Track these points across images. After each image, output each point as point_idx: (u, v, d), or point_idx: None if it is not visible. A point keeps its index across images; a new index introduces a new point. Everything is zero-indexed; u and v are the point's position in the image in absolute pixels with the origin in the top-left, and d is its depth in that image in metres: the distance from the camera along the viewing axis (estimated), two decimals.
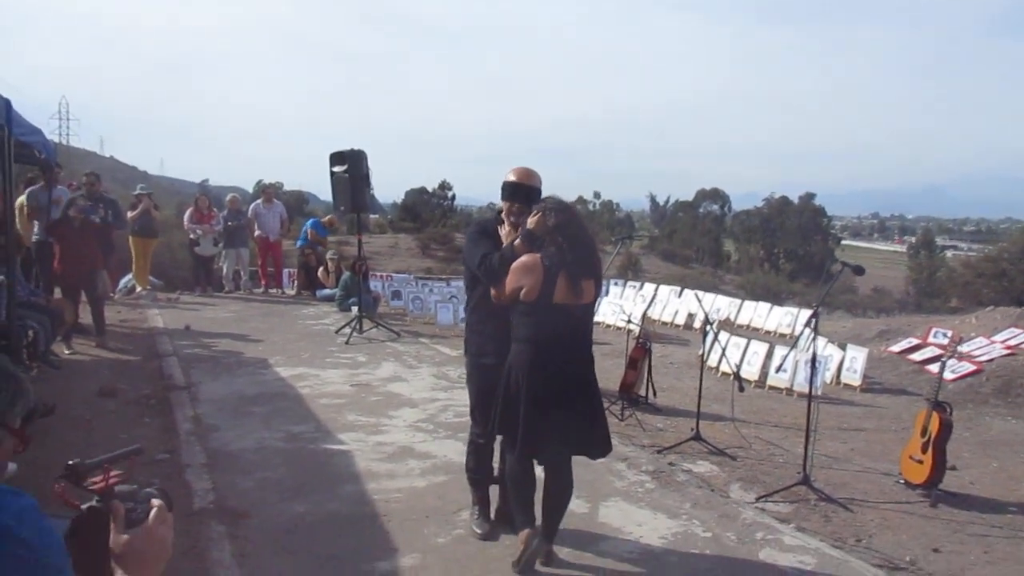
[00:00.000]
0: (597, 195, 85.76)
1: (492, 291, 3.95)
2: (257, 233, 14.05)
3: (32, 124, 7.07)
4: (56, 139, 61.43)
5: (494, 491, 4.43)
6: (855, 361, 8.95)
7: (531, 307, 3.78)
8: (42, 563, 1.45)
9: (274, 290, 14.35)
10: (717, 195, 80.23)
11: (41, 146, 7.71)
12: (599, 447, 3.99)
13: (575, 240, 3.79)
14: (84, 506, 1.57)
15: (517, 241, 3.90)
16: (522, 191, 4.10)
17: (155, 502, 1.63)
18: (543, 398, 3.75)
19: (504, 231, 4.09)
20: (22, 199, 9.73)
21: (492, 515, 4.38)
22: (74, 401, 6.44)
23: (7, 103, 6.12)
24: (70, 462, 1.58)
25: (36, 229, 9.63)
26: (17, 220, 9.22)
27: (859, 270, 5.53)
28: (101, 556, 1.54)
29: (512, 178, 4.13)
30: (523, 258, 3.80)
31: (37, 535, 1.45)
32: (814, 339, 5.55)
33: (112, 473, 1.61)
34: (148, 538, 1.57)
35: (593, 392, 3.97)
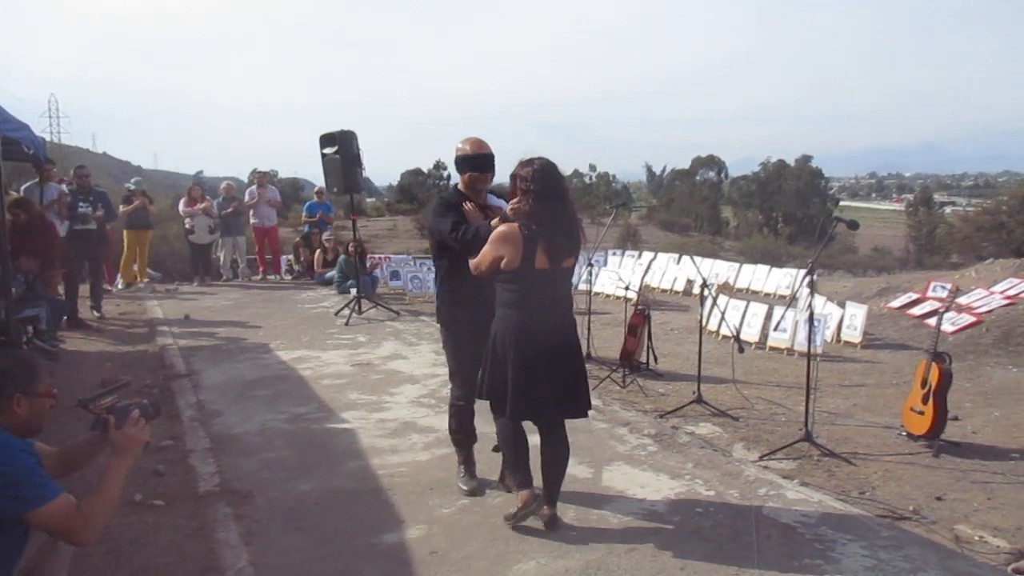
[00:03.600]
0: (593, 167, 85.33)
1: (471, 264, 3.99)
2: (253, 221, 14.03)
3: (19, 120, 7.02)
4: (48, 137, 61.19)
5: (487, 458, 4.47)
6: (855, 318, 8.96)
7: (513, 275, 3.85)
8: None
9: (272, 276, 14.35)
10: (713, 162, 79.85)
11: (29, 142, 7.65)
12: (582, 406, 4.06)
13: (552, 208, 3.83)
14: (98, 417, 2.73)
15: (495, 220, 3.97)
16: (478, 161, 4.27)
17: (134, 413, 2.74)
18: (531, 362, 3.83)
19: (468, 206, 4.20)
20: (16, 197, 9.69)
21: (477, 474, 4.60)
22: (76, 393, 6.42)
23: None
24: (80, 397, 2.78)
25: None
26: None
27: (853, 224, 5.50)
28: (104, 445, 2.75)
29: (468, 150, 4.28)
30: (501, 228, 3.86)
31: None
32: (812, 297, 5.54)
33: (108, 399, 2.77)
34: (124, 436, 2.69)
35: (576, 354, 4.07)
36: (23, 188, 9.60)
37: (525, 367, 3.84)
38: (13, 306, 7.09)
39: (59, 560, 2.74)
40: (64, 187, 9.98)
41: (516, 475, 4.05)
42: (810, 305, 5.49)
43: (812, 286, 5.53)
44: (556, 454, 4.06)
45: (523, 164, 3.92)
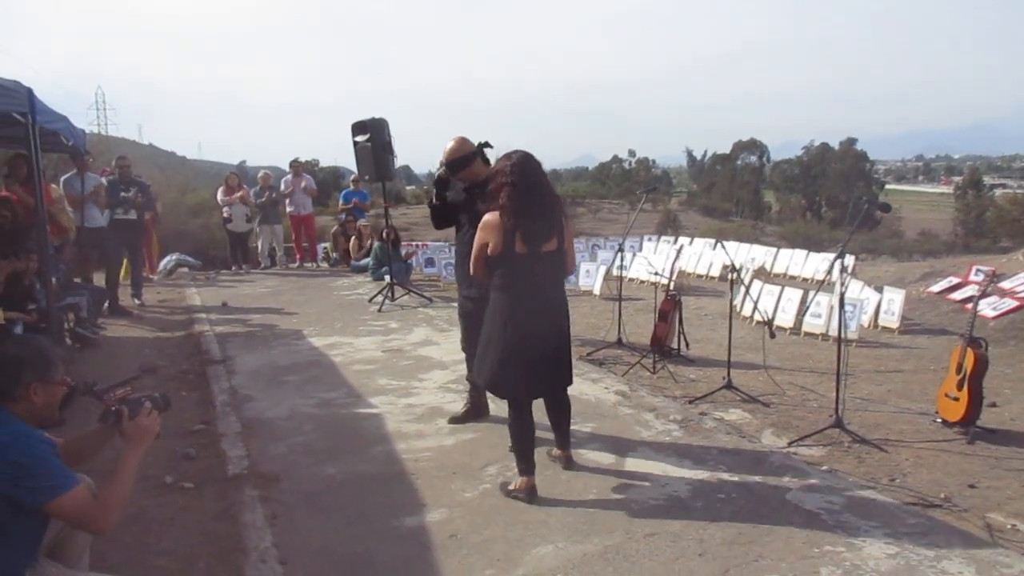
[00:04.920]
0: (632, 153, 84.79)
1: (471, 265, 4.37)
2: (289, 209, 14.19)
3: (56, 112, 7.17)
4: (95, 129, 62.46)
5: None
6: (892, 303, 8.79)
7: (497, 259, 4.14)
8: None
9: (309, 264, 14.52)
10: (755, 146, 78.84)
11: (67, 133, 7.82)
12: (564, 383, 4.42)
13: (531, 197, 4.10)
14: (110, 408, 2.80)
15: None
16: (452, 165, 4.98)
17: (146, 405, 2.81)
18: (517, 341, 4.11)
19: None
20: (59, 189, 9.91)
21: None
22: (115, 378, 6.58)
23: (29, 91, 6.21)
24: (94, 388, 2.90)
25: (88, 215, 9.75)
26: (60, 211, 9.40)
27: (885, 207, 5.40)
28: (117, 435, 2.78)
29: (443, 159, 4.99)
30: (486, 217, 4.17)
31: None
32: (844, 281, 5.44)
33: (120, 391, 2.88)
34: (137, 427, 2.75)
35: (562, 333, 4.35)
36: (63, 179, 9.81)
37: (511, 345, 4.12)
38: (55, 294, 7.27)
39: (80, 540, 2.81)
40: (103, 179, 10.18)
41: (521, 462, 4.26)
42: (843, 289, 5.39)
43: (844, 270, 5.43)
44: (558, 412, 4.50)
45: (503, 158, 4.24)
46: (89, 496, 2.52)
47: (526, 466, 4.22)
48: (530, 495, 4.14)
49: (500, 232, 4.08)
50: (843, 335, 5.41)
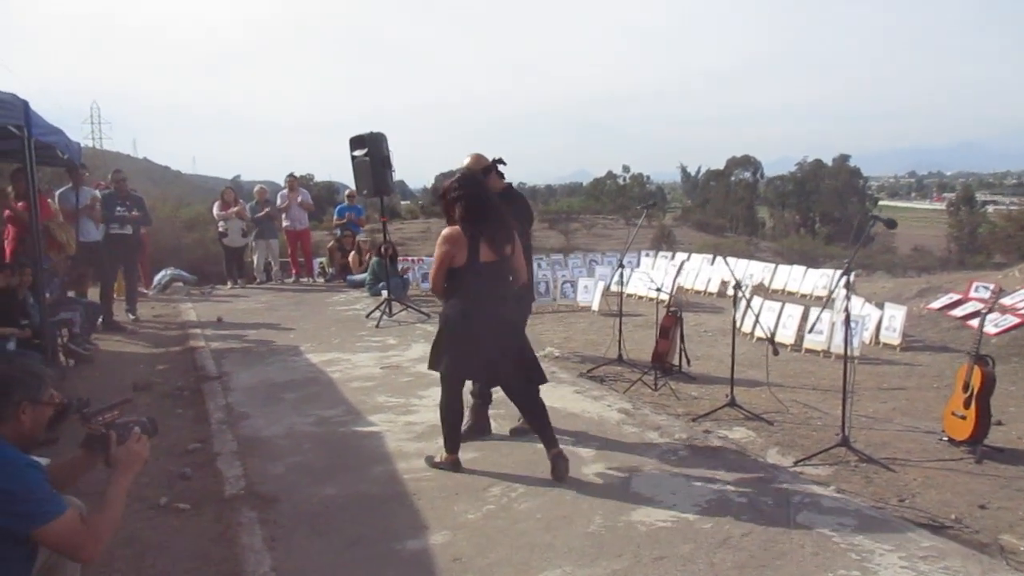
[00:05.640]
0: (627, 168, 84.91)
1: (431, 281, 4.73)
2: (285, 224, 14.12)
3: (52, 124, 7.09)
4: (90, 143, 62.34)
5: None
6: (894, 320, 8.74)
7: (462, 270, 4.43)
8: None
9: (305, 279, 14.44)
10: (749, 162, 79.03)
11: (63, 146, 7.74)
12: (533, 376, 4.73)
13: (483, 208, 4.44)
14: (96, 433, 2.73)
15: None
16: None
17: (135, 431, 2.73)
18: (471, 336, 4.49)
19: None
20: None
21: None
22: (109, 395, 6.44)
23: (25, 104, 6.14)
24: (84, 410, 2.83)
25: (82, 229, 9.64)
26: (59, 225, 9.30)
27: (891, 223, 5.35)
28: (106, 460, 2.68)
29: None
30: (445, 232, 4.46)
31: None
32: (848, 298, 5.39)
33: (109, 415, 2.78)
34: (127, 452, 2.68)
35: (519, 332, 4.83)
36: (58, 193, 9.73)
37: (464, 339, 4.53)
38: (48, 309, 7.17)
39: (71, 567, 2.71)
40: (98, 192, 10.09)
41: (449, 441, 4.76)
42: (847, 306, 5.33)
43: (849, 286, 5.37)
44: (533, 415, 4.72)
45: (445, 178, 4.62)
46: (78, 523, 2.43)
47: (453, 445, 4.76)
48: (454, 466, 4.69)
49: (463, 243, 4.37)
50: (849, 352, 5.35)
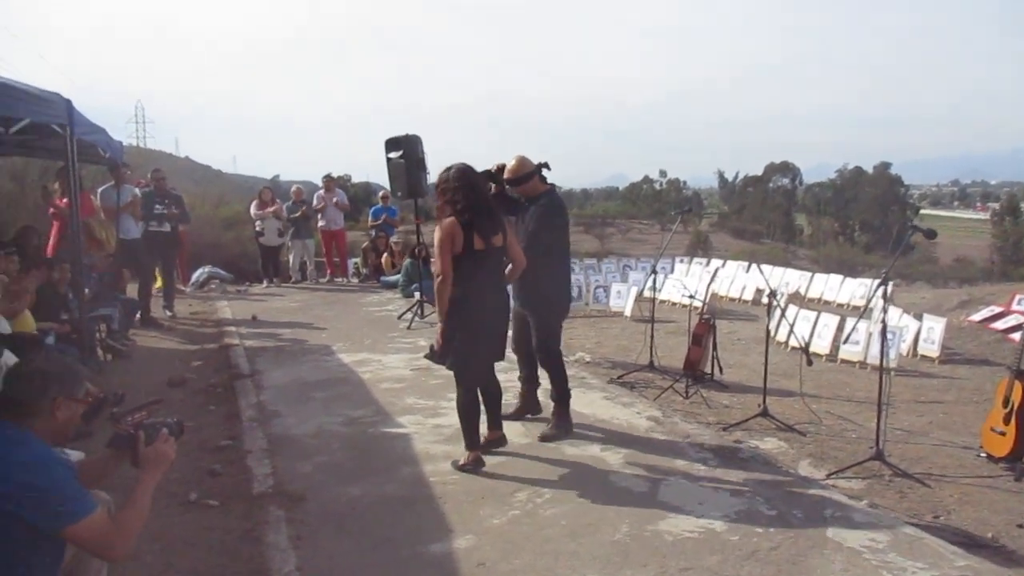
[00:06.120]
0: (663, 173, 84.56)
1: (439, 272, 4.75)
2: (321, 224, 14.23)
3: (94, 123, 7.22)
4: (134, 142, 63.43)
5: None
6: (932, 332, 8.58)
7: (459, 258, 4.65)
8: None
9: (339, 279, 14.53)
10: (787, 168, 78.28)
11: (105, 145, 7.88)
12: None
13: (477, 200, 4.70)
14: (123, 433, 2.74)
15: None
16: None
17: (163, 432, 2.74)
18: (475, 328, 4.76)
19: None
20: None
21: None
22: (144, 391, 6.56)
23: (68, 103, 6.26)
24: (113, 410, 2.89)
25: (123, 226, 9.80)
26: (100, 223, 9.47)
27: (931, 233, 5.25)
28: (134, 459, 2.69)
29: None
30: (445, 221, 4.67)
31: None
32: (886, 308, 5.29)
33: (138, 415, 2.78)
34: (155, 452, 2.69)
35: (507, 315, 5.14)
36: (100, 191, 9.90)
37: (478, 336, 4.79)
38: (87, 305, 7.30)
39: (96, 562, 2.74)
40: (138, 190, 10.26)
41: (470, 438, 4.89)
42: (884, 317, 5.23)
43: (887, 297, 5.27)
44: (494, 398, 5.14)
45: (442, 172, 4.81)
46: (107, 522, 2.45)
47: (472, 441, 4.90)
48: (478, 464, 4.81)
49: (459, 232, 4.60)
50: (885, 363, 5.25)
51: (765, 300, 6.88)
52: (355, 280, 14.68)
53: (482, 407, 5.05)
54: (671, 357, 7.95)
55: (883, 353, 5.25)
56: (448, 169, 4.79)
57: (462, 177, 4.72)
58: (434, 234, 4.80)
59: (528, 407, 5.88)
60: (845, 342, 8.14)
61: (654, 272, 7.99)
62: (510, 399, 5.83)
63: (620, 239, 49.10)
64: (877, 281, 5.82)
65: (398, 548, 3.83)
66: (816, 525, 4.02)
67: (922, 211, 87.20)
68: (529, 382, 5.87)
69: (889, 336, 5.35)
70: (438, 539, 3.93)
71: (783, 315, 7.79)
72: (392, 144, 9.72)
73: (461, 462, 4.85)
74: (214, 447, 5.38)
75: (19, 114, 5.71)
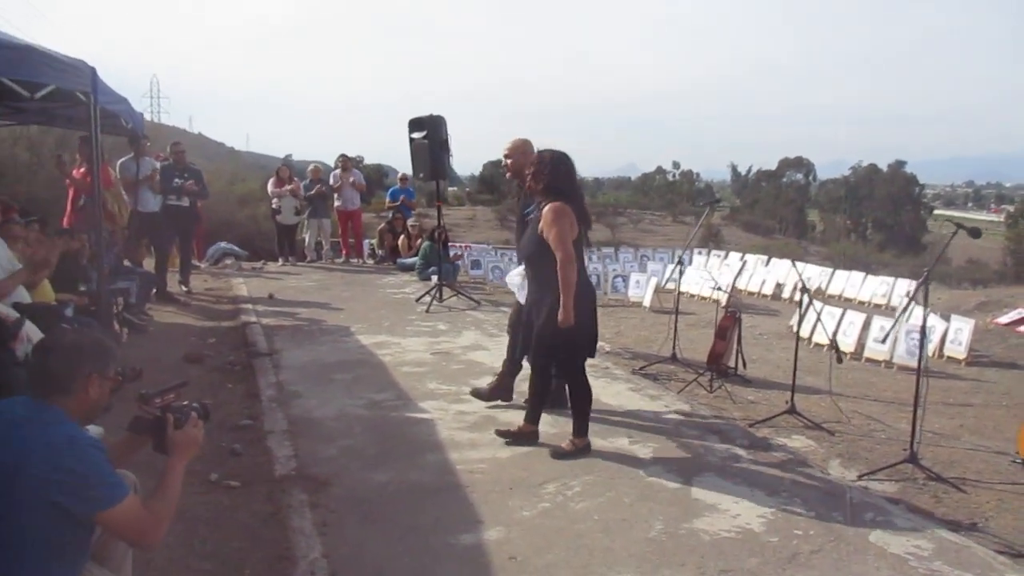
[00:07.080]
0: (676, 165, 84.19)
1: (566, 254, 4.57)
2: (337, 204, 14.11)
3: (118, 93, 7.10)
4: (148, 117, 63.34)
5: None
6: (960, 333, 8.43)
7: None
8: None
9: (355, 260, 14.43)
10: (801, 164, 77.76)
11: (127, 115, 7.76)
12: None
13: (574, 187, 4.80)
14: (149, 416, 2.61)
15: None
16: None
17: (193, 415, 2.63)
18: (586, 312, 4.73)
19: None
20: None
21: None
22: (161, 367, 6.49)
23: (93, 71, 6.13)
24: (141, 391, 2.64)
25: (141, 199, 9.73)
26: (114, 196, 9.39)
27: (975, 232, 5.09)
28: (159, 443, 2.58)
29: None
30: (556, 205, 4.57)
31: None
32: (926, 308, 5.15)
33: (167, 397, 2.64)
34: (185, 436, 2.57)
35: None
36: (119, 163, 9.79)
37: (582, 311, 4.64)
38: (105, 278, 7.20)
39: (121, 545, 2.64)
40: (157, 163, 10.15)
41: (534, 412, 4.97)
42: (924, 317, 5.10)
43: (926, 297, 5.14)
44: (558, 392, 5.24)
45: (538, 153, 4.77)
46: (140, 508, 2.34)
47: (537, 415, 4.99)
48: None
49: (574, 219, 4.56)
50: (924, 365, 5.11)
51: (787, 295, 6.74)
52: (370, 261, 14.59)
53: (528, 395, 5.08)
54: (692, 349, 7.82)
55: (922, 354, 5.12)
56: (543, 153, 4.75)
57: (566, 161, 4.69)
58: (546, 215, 4.59)
59: (501, 392, 5.81)
60: (882, 341, 7.97)
61: (680, 263, 7.86)
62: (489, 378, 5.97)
63: (632, 229, 48.83)
64: (908, 281, 5.68)
65: (427, 537, 3.74)
66: (858, 529, 3.90)
67: (935, 211, 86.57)
68: (513, 364, 5.77)
69: (916, 337, 5.22)
70: (467, 530, 3.83)
71: (819, 314, 7.62)
72: (415, 124, 9.56)
73: (512, 431, 4.99)
74: (234, 426, 5.29)
75: (45, 80, 5.58)
